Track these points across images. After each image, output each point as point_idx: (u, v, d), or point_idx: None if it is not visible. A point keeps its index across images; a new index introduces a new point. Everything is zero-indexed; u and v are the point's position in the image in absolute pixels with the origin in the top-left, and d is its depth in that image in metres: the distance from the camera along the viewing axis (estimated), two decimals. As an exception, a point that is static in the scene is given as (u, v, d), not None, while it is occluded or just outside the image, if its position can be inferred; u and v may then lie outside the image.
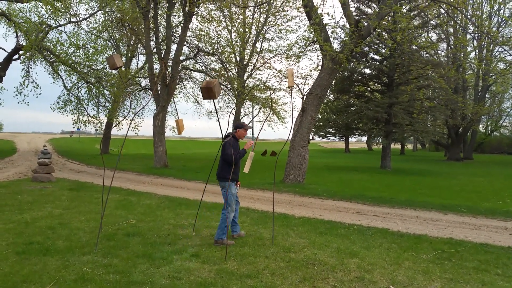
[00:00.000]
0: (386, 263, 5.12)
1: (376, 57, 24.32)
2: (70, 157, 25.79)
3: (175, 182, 13.59)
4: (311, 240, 6.14)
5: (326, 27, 13.14)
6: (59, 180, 13.16)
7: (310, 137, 13.64)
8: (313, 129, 50.25)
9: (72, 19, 24.58)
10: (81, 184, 12.36)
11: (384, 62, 23.21)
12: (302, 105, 13.39)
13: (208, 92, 5.05)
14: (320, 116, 50.54)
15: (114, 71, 25.78)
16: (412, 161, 34.93)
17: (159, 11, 19.50)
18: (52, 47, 23.34)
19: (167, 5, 18.36)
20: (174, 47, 19.82)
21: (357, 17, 14.10)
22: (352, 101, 26.23)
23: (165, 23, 18.96)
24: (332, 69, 12.98)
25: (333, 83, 32.18)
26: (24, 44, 22.97)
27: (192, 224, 6.92)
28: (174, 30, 20.99)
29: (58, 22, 24.18)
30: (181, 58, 20.49)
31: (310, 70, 37.20)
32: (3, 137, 49.20)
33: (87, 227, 6.63)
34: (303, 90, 13.45)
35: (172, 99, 19.44)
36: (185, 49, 23.13)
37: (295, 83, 17.33)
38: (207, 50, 22.30)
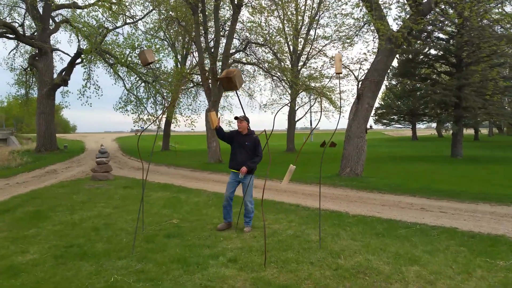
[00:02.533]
0: (453, 271, 4.31)
1: (442, 35, 22.35)
2: (132, 155, 26.67)
3: (226, 178, 13.24)
4: (365, 242, 5.43)
5: (381, 3, 12.01)
6: (116, 178, 13.40)
7: (368, 126, 12.68)
8: (375, 117, 48.27)
9: (128, 21, 25.32)
10: (137, 182, 12.46)
11: (451, 41, 21.24)
12: (357, 92, 12.45)
13: (228, 83, 4.57)
14: (382, 103, 48.20)
15: (168, 69, 26.26)
16: (487, 147, 32.05)
17: (207, 6, 19.28)
18: (110, 49, 24.17)
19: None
20: (224, 41, 19.56)
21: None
22: (418, 85, 24.37)
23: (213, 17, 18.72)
24: (390, 51, 11.89)
25: (395, 67, 30.47)
26: (84, 48, 24.04)
27: (235, 223, 6.49)
28: (223, 24, 20.75)
29: (115, 25, 25.01)
30: (232, 51, 20.20)
31: (364, 54, 35.40)
32: (74, 138, 52.67)
33: (131, 227, 6.42)
34: (358, 76, 12.47)
35: (223, 94, 19.24)
36: (236, 42, 22.85)
37: (349, 69, 16.39)
38: (258, 41, 21.80)
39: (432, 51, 23.01)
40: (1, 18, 24.06)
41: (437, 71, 24.11)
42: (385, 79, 32.05)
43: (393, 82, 32.67)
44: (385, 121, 50.47)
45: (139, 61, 24.51)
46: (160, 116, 8.29)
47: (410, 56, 22.66)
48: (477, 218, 7.04)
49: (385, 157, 22.61)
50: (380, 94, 57.54)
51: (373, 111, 44.50)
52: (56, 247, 5.38)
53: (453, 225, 6.42)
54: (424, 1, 11.72)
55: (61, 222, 6.88)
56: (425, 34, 20.84)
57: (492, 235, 5.75)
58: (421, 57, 22.80)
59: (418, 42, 21.06)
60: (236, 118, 6.25)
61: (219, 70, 18.76)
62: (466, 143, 30.52)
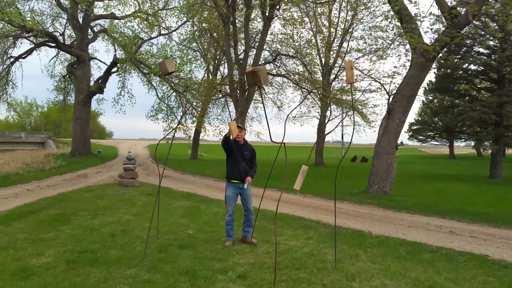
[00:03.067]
0: (479, 305, 3.92)
1: (482, 50, 21.42)
2: (161, 162, 26.97)
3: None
4: (385, 266, 5.08)
5: (415, 16, 11.57)
6: (142, 185, 13.51)
7: (399, 142, 12.21)
8: (410, 133, 46.86)
9: (162, 32, 25.90)
10: (161, 189, 12.46)
11: (492, 55, 20.31)
12: (388, 107, 12.02)
13: (254, 77, 4.51)
14: (419, 118, 46.78)
15: (199, 79, 26.55)
16: (531, 168, 30.33)
17: (238, 17, 19.42)
18: (145, 59, 24.73)
19: (245, 10, 18.17)
20: (254, 52, 19.58)
21: (451, 4, 12.20)
22: (456, 101, 23.39)
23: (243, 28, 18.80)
24: (423, 65, 11.43)
25: (432, 82, 29.48)
26: (119, 57, 24.73)
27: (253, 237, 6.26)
28: (254, 36, 20.77)
29: (150, 35, 25.62)
30: (261, 62, 20.15)
31: (395, 67, 34.43)
32: (109, 144, 54.15)
33: (147, 235, 6.34)
34: (389, 90, 12.06)
35: (250, 105, 19.19)
36: (266, 54, 22.82)
37: (380, 82, 15.94)
38: (288, 53, 21.68)
39: (472, 66, 22.08)
40: (44, 27, 25.10)
41: (476, 87, 23.10)
42: (422, 94, 31.20)
43: (430, 98, 31.63)
44: (421, 137, 48.89)
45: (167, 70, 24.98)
46: (180, 122, 8.19)
47: (448, 70, 21.80)
48: (512, 246, 6.50)
49: (418, 174, 21.79)
50: (416, 109, 56.01)
51: (407, 127, 43.30)
52: (71, 251, 5.40)
53: (484, 252, 5.94)
54: (461, 14, 11.23)
55: (80, 226, 6.94)
56: (464, 48, 20.03)
57: (527, 266, 5.25)
58: (460, 72, 21.90)
59: (457, 56, 20.23)
60: (239, 127, 6.11)
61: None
62: (507, 164, 29.02)
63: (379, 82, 15.61)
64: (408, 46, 12.34)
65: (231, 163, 6.06)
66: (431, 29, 11.90)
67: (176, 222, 7.48)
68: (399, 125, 11.91)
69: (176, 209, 9.00)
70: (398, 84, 12.73)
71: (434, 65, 22.49)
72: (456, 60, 20.53)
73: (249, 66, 19.37)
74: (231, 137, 5.89)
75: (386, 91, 12.00)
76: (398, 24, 11.79)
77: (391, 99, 12.09)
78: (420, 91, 12.02)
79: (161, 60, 23.55)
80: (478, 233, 7.40)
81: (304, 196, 12.26)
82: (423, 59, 11.08)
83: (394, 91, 12.19)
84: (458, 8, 11.17)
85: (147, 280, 4.39)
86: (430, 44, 11.03)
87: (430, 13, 12.73)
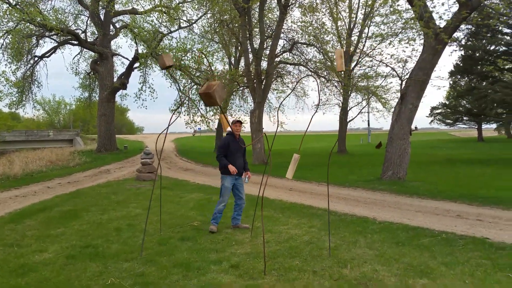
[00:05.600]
0: (465, 286, 3.98)
1: (506, 29, 20.68)
2: (185, 156, 27.49)
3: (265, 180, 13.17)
4: (381, 251, 5.16)
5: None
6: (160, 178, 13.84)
7: (413, 127, 12.09)
8: (439, 117, 45.72)
9: (182, 25, 26.17)
10: (178, 183, 12.82)
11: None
12: (400, 92, 11.91)
13: (208, 98, 4.24)
14: (446, 102, 45.58)
15: (220, 71, 26.74)
16: None
17: (254, 8, 19.43)
18: (166, 53, 25.07)
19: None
20: (270, 42, 19.59)
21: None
22: (477, 84, 22.69)
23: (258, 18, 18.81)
24: (435, 49, 11.24)
25: (454, 64, 28.64)
26: (141, 52, 25.21)
27: (255, 226, 6.42)
28: (271, 25, 20.73)
29: (169, 29, 25.94)
30: (278, 52, 20.16)
31: (403, 51, 33.39)
32: (136, 138, 55.30)
33: (152, 229, 6.58)
34: (401, 75, 11.92)
35: (267, 95, 19.26)
36: (283, 42, 22.75)
37: (391, 67, 15.69)
38: (305, 41, 21.56)
39: (495, 47, 21.34)
40: (67, 26, 25.79)
41: (499, 68, 22.34)
42: (447, 77, 30.36)
43: (453, 82, 30.75)
44: (448, 121, 47.68)
45: (194, 64, 25.41)
46: (174, 112, 8.26)
47: (469, 52, 21.18)
48: (517, 228, 6.45)
49: (440, 160, 21.36)
50: (444, 93, 54.36)
51: (429, 111, 42.26)
52: (73, 247, 5.56)
53: (486, 235, 5.92)
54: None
55: (89, 222, 7.15)
56: (487, 28, 19.35)
57: (524, 248, 5.24)
58: (481, 53, 21.20)
59: (478, 38, 19.58)
60: (239, 122, 6.54)
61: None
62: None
63: (391, 67, 15.37)
64: (421, 31, 12.08)
65: (231, 160, 6.33)
66: (434, 7, 11.57)
67: (184, 215, 7.66)
68: (412, 110, 11.78)
69: (187, 201, 9.20)
70: (411, 69, 12.55)
71: (456, 47, 21.96)
72: (476, 41, 19.89)
73: (265, 57, 19.41)
74: (224, 132, 6.15)
75: (398, 76, 11.87)
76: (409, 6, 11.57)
77: (403, 84, 11.97)
78: (434, 75, 11.77)
79: (192, 52, 23.96)
80: (485, 216, 7.34)
81: (318, 184, 12.35)
82: (436, 42, 10.89)
83: (407, 76, 12.05)
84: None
85: (141, 273, 4.50)
86: (441, 28, 10.81)
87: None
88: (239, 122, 6.52)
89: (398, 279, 4.21)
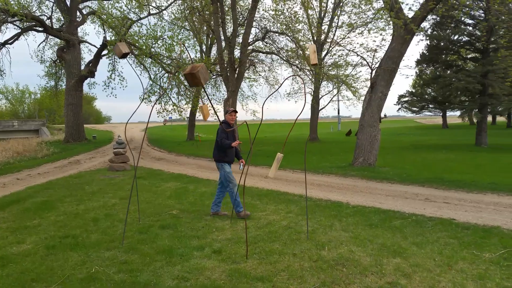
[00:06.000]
0: (435, 264, 4.28)
1: (468, 20, 21.47)
2: (157, 145, 27.21)
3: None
4: (355, 234, 5.43)
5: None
6: (133, 168, 13.73)
7: (382, 115, 12.49)
8: (406, 105, 47.02)
9: (152, 11, 25.64)
10: (152, 172, 12.75)
11: (477, 26, 20.39)
12: (371, 81, 12.25)
13: (193, 79, 4.45)
14: (413, 90, 46.92)
15: (192, 59, 26.47)
16: (520, 135, 30.77)
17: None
18: (135, 40, 24.56)
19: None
20: (243, 30, 19.59)
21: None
22: (442, 72, 23.57)
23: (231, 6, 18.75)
24: (404, 38, 11.61)
25: (421, 53, 29.55)
26: (109, 39, 24.58)
27: (234, 214, 6.58)
28: (243, 13, 20.69)
29: (139, 16, 25.37)
30: (250, 40, 20.18)
31: (374, 41, 34.13)
32: (105, 128, 54.09)
33: (130, 218, 6.57)
34: (371, 64, 12.25)
35: (241, 83, 19.31)
36: (255, 31, 22.78)
37: (362, 57, 16.07)
38: (277, 30, 21.66)
39: (458, 37, 22.17)
40: (30, 11, 24.77)
41: (462, 57, 23.24)
42: (414, 66, 31.25)
43: (422, 69, 31.70)
44: (414, 108, 49.17)
45: (161, 52, 25.08)
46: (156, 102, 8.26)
47: (434, 42, 21.91)
48: (480, 209, 6.88)
49: (408, 146, 22.14)
50: (411, 82, 55.78)
51: (397, 99, 43.52)
52: (52, 237, 5.51)
53: (452, 216, 6.31)
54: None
55: (65, 212, 7.06)
56: (450, 19, 20.04)
57: (487, 227, 5.64)
58: (445, 43, 21.99)
59: (443, 28, 20.28)
60: (234, 111, 6.65)
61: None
62: (497, 131, 29.43)
63: (361, 56, 15.73)
64: (389, 19, 12.42)
65: (229, 150, 6.54)
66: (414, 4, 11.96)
67: (162, 204, 7.69)
68: (381, 98, 12.16)
69: (164, 190, 9.20)
70: (380, 58, 12.91)
71: (422, 37, 22.63)
72: (440, 31, 20.60)
73: (238, 45, 19.39)
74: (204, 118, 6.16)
75: (368, 65, 12.20)
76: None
77: (373, 73, 12.31)
78: (402, 64, 12.16)
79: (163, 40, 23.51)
80: (451, 198, 7.78)
81: (293, 171, 12.59)
82: (404, 32, 11.26)
83: (376, 65, 12.40)
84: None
85: (124, 261, 4.55)
86: (410, 18, 11.17)
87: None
88: (234, 112, 6.65)
89: (373, 259, 4.46)
